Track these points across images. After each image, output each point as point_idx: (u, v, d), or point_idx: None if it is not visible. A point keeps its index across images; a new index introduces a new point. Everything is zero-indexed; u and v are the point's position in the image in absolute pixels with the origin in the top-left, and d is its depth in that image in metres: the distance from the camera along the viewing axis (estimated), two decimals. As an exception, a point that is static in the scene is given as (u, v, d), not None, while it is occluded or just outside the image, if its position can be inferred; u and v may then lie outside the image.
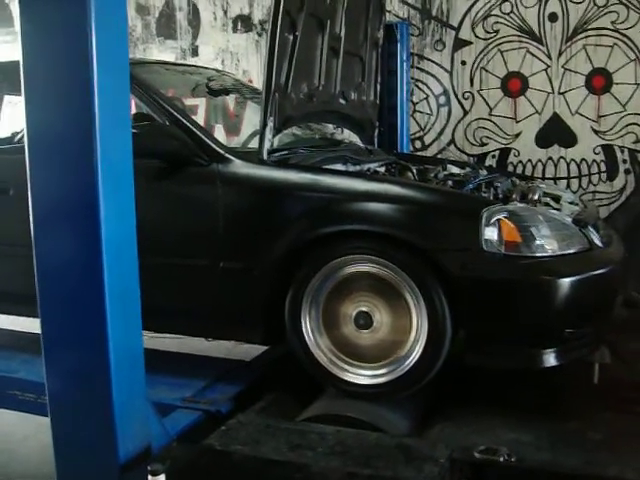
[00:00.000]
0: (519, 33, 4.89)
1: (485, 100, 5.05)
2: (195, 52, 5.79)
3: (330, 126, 4.40)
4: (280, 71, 2.81)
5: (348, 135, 4.47)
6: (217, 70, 4.60)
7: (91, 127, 1.88)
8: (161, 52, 5.86)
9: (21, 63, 1.94)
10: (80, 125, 1.91)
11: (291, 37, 2.87)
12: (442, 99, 5.19)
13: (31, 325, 2.93)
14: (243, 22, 5.63)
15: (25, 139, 1.98)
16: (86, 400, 2.06)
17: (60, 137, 1.94)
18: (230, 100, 4.44)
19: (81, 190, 1.94)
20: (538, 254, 2.49)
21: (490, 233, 2.46)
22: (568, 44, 4.78)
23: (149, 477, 1.56)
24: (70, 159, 1.94)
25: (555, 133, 4.89)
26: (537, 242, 2.49)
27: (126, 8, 1.97)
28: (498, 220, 2.49)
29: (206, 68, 4.43)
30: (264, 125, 2.76)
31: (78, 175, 1.94)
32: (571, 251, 2.57)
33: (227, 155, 2.78)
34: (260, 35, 5.58)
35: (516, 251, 2.47)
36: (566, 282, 2.45)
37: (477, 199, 2.75)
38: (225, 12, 5.66)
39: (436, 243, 2.48)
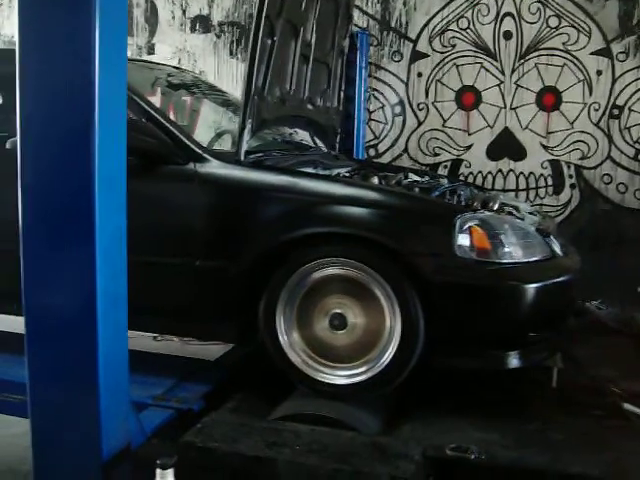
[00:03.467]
0: (474, 49, 5.06)
1: (439, 112, 5.19)
2: (151, 50, 5.74)
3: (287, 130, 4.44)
4: (259, 75, 2.85)
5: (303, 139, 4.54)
6: (177, 67, 4.59)
7: (90, 124, 1.89)
8: (116, 48, 5.77)
9: (17, 57, 1.92)
10: (78, 122, 1.90)
11: (269, 42, 2.91)
12: (397, 109, 5.31)
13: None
14: (202, 23, 5.62)
15: (18, 135, 1.96)
16: (71, 398, 2.04)
17: (56, 135, 1.93)
18: (187, 99, 4.42)
19: (76, 187, 1.94)
20: (505, 261, 2.61)
21: (463, 239, 2.57)
22: (521, 62, 4.97)
23: (157, 471, 1.57)
24: (66, 157, 1.94)
25: (505, 147, 5.07)
26: (505, 249, 2.62)
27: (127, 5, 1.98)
28: (470, 227, 2.59)
29: (165, 65, 4.41)
30: (242, 127, 2.79)
31: (73, 174, 1.94)
32: (535, 259, 2.70)
33: (205, 155, 2.80)
34: (219, 36, 5.58)
35: (486, 257, 2.58)
36: (532, 288, 2.57)
37: (450, 206, 2.85)
38: (184, 11, 5.64)
39: (411, 247, 2.57)
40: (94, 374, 2.00)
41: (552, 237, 2.89)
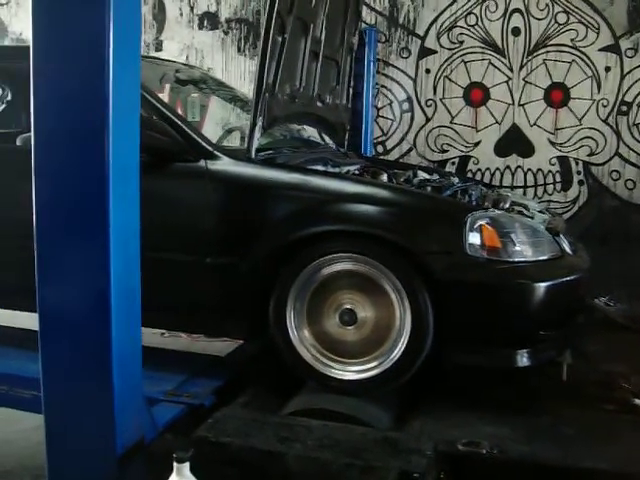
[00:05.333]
0: (483, 45, 5.06)
1: (447, 108, 5.20)
2: (159, 47, 5.75)
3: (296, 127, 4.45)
4: (269, 72, 2.86)
5: (311, 136, 4.55)
6: (185, 64, 4.60)
7: (104, 120, 1.90)
8: (124, 45, 5.79)
9: (31, 53, 1.93)
10: (92, 118, 1.91)
11: (280, 39, 2.92)
12: (405, 105, 5.32)
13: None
14: (209, 19, 5.63)
15: (32, 131, 1.96)
16: (85, 393, 2.04)
17: (70, 130, 1.94)
18: (195, 95, 4.44)
19: (90, 183, 1.94)
20: (516, 259, 2.62)
21: (473, 238, 2.58)
22: (529, 58, 4.98)
23: (174, 464, 1.59)
24: (80, 153, 1.94)
25: (514, 143, 5.08)
26: (516, 248, 2.62)
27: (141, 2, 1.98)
28: (480, 226, 2.60)
29: (173, 61, 4.43)
30: (253, 124, 2.80)
31: (87, 169, 1.94)
32: (544, 257, 2.71)
33: (216, 152, 2.81)
34: (226, 33, 5.59)
35: (496, 256, 2.59)
36: (542, 287, 2.58)
37: (462, 205, 2.86)
38: (192, 8, 5.65)
39: (422, 245, 2.58)
40: (108, 369, 2.01)
41: (561, 236, 2.89)
